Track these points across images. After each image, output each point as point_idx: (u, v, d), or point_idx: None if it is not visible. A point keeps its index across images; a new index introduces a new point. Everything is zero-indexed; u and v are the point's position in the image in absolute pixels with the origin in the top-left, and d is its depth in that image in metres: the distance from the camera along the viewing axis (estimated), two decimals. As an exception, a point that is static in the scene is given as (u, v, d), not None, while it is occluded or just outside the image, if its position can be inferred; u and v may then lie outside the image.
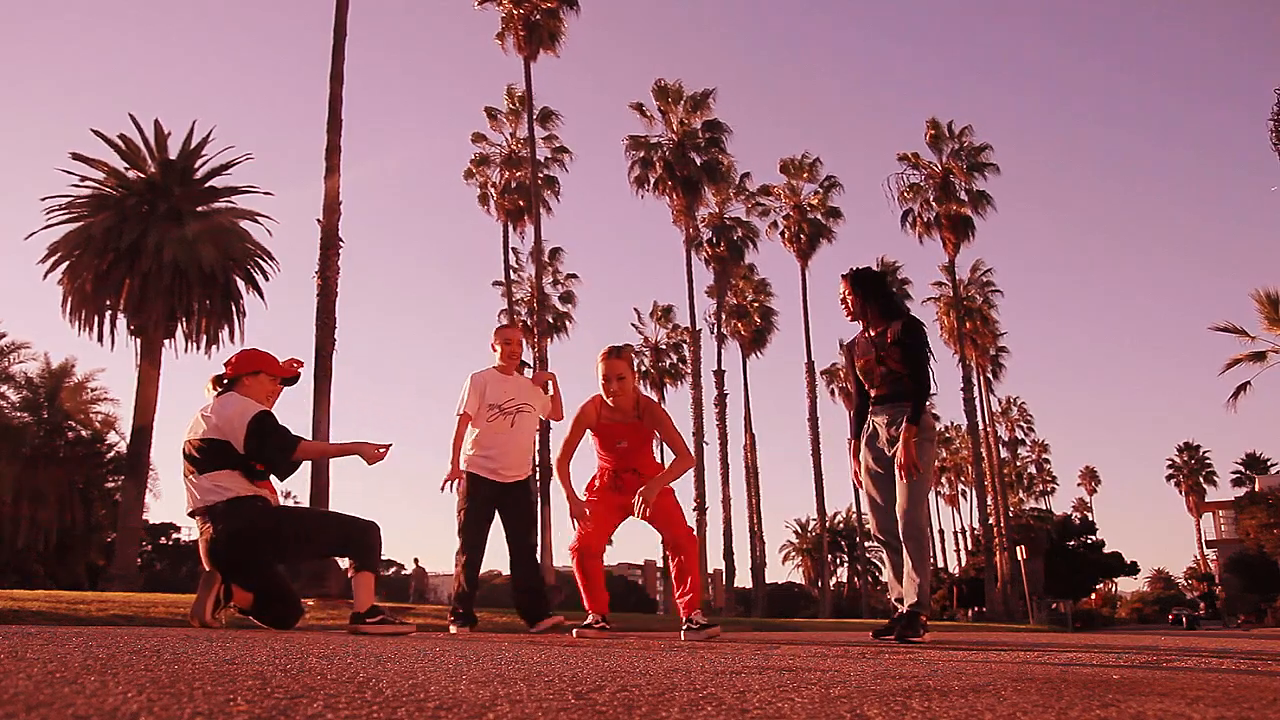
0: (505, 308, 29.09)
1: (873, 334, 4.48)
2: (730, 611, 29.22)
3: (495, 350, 5.11)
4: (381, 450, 4.04)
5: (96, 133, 20.02)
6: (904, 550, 4.25)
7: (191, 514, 3.90)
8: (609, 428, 4.34)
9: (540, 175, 26.85)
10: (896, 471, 4.27)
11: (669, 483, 4.30)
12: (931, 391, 4.34)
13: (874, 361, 4.42)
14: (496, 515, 5.04)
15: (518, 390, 5.05)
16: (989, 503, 35.43)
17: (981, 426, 34.69)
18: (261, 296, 20.76)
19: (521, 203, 28.70)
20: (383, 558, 4.22)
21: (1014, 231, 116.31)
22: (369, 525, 4.01)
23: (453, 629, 5.00)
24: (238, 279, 20.53)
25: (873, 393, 4.49)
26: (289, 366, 4.21)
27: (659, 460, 4.62)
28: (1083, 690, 1.62)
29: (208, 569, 3.95)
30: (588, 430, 4.41)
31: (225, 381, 4.08)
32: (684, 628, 4.17)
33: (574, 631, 4.38)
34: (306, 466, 11.99)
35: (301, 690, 1.33)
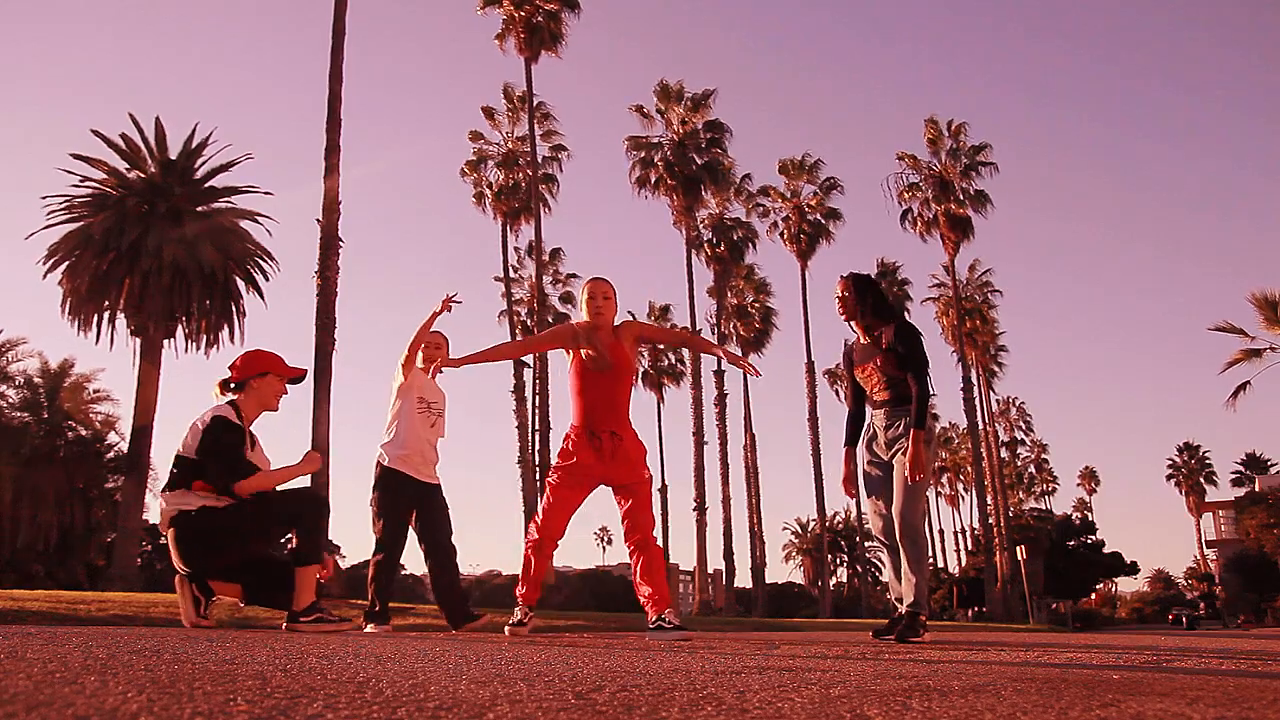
0: (505, 308, 29.13)
1: (868, 338, 4.50)
2: (730, 611, 29.21)
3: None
4: (315, 457, 4.19)
5: (96, 133, 20.05)
6: (900, 551, 4.27)
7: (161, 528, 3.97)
8: (591, 345, 4.15)
9: (539, 174, 26.84)
10: (896, 474, 4.29)
11: (720, 350, 4.50)
12: (932, 394, 4.36)
13: (871, 366, 4.44)
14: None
15: (441, 395, 4.91)
16: (989, 503, 35.40)
17: (981, 426, 34.69)
18: (261, 296, 20.80)
19: (517, 204, 28.71)
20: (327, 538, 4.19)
21: (1014, 231, 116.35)
22: (313, 501, 4.01)
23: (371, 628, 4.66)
24: (238, 279, 20.54)
25: (871, 397, 4.51)
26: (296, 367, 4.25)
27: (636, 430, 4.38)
28: (1083, 690, 1.62)
29: (180, 573, 4.00)
30: (563, 351, 4.25)
31: (232, 385, 4.10)
32: (667, 627, 3.93)
33: (505, 629, 4.17)
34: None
35: (301, 690, 1.33)
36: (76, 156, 19.90)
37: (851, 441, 4.69)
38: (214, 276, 19.67)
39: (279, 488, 4.00)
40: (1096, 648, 4.07)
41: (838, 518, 56.07)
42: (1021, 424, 58.96)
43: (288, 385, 4.20)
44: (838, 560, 57.48)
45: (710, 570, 32.38)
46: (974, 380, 35.36)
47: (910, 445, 4.20)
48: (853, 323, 4.56)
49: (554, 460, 4.26)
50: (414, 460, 4.67)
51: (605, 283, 4.28)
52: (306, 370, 4.33)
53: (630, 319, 4.46)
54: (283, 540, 4.13)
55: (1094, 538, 43.78)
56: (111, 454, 29.19)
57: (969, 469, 41.52)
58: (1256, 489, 40.95)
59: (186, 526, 3.81)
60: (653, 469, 4.49)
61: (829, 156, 53.74)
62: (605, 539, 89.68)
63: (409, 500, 4.68)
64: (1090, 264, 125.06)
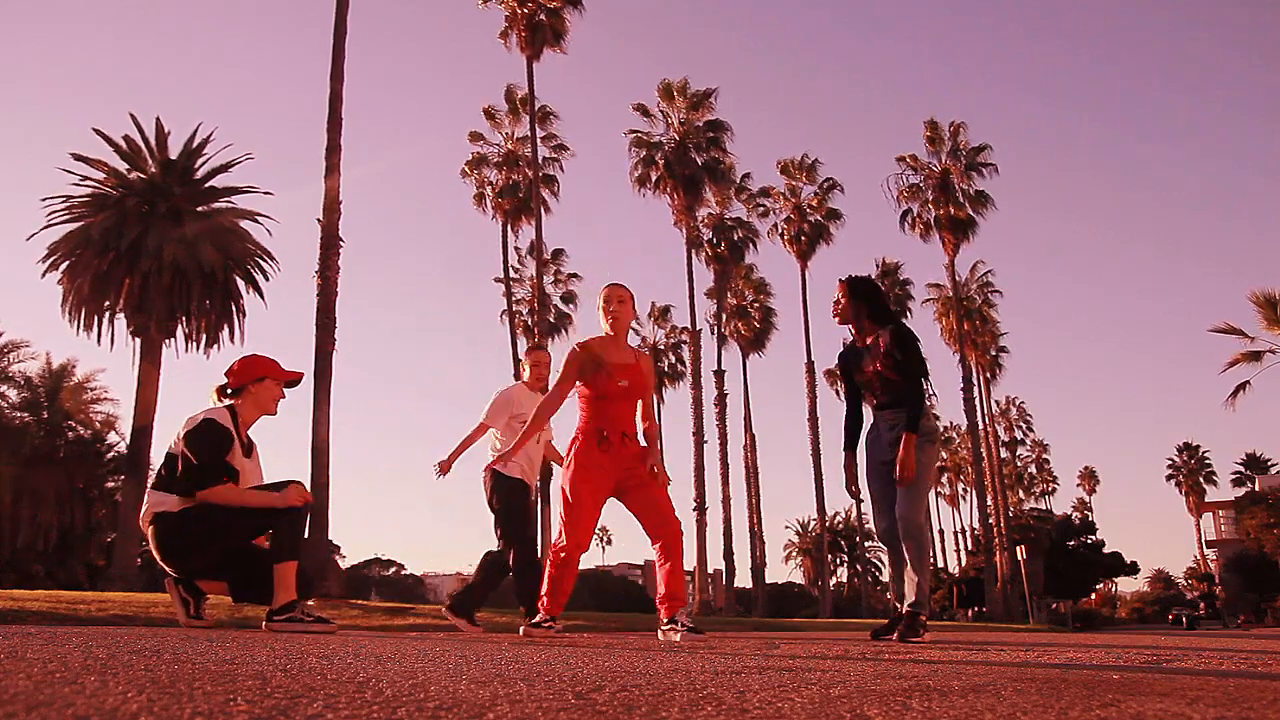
0: (506, 307, 29.12)
1: (866, 342, 4.50)
2: (730, 611, 29.20)
3: (525, 370, 5.58)
4: (295, 492, 3.86)
5: (97, 132, 20.05)
6: (903, 550, 4.27)
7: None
8: (611, 365, 4.06)
9: (539, 174, 26.82)
10: (896, 476, 4.30)
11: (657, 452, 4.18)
12: (929, 396, 4.38)
13: (871, 371, 4.45)
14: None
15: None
16: (989, 503, 35.39)
17: (981, 426, 34.68)
18: (261, 296, 20.79)
19: (520, 199, 28.69)
20: (321, 533, 4.08)
21: (1014, 231, 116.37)
22: (290, 493, 3.89)
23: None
24: (238, 279, 20.54)
25: (874, 400, 4.52)
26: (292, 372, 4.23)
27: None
28: (1083, 690, 1.62)
29: (167, 575, 3.98)
30: (578, 381, 4.11)
31: (230, 391, 4.08)
32: (680, 628, 3.94)
33: (521, 630, 4.20)
34: (306, 464, 12.00)
35: (301, 690, 1.33)
36: (76, 157, 19.91)
37: (850, 446, 4.70)
38: (214, 276, 19.66)
39: (257, 485, 3.97)
40: (1096, 648, 4.07)
41: (838, 518, 56.11)
42: (1021, 424, 58.95)
43: (284, 389, 4.19)
44: (838, 560, 57.48)
45: (710, 570, 32.37)
46: (974, 380, 35.35)
47: (903, 449, 4.22)
48: (849, 327, 4.57)
49: (565, 467, 4.15)
50: (529, 472, 5.39)
51: (620, 287, 4.19)
52: (303, 374, 4.32)
53: (649, 359, 4.38)
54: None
55: (1094, 538, 43.77)
56: (111, 454, 29.20)
57: (969, 469, 41.49)
58: (1256, 489, 40.94)
59: (165, 526, 3.79)
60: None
61: (829, 157, 53.94)
62: (605, 539, 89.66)
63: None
64: (1090, 264, 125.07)
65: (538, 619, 4.14)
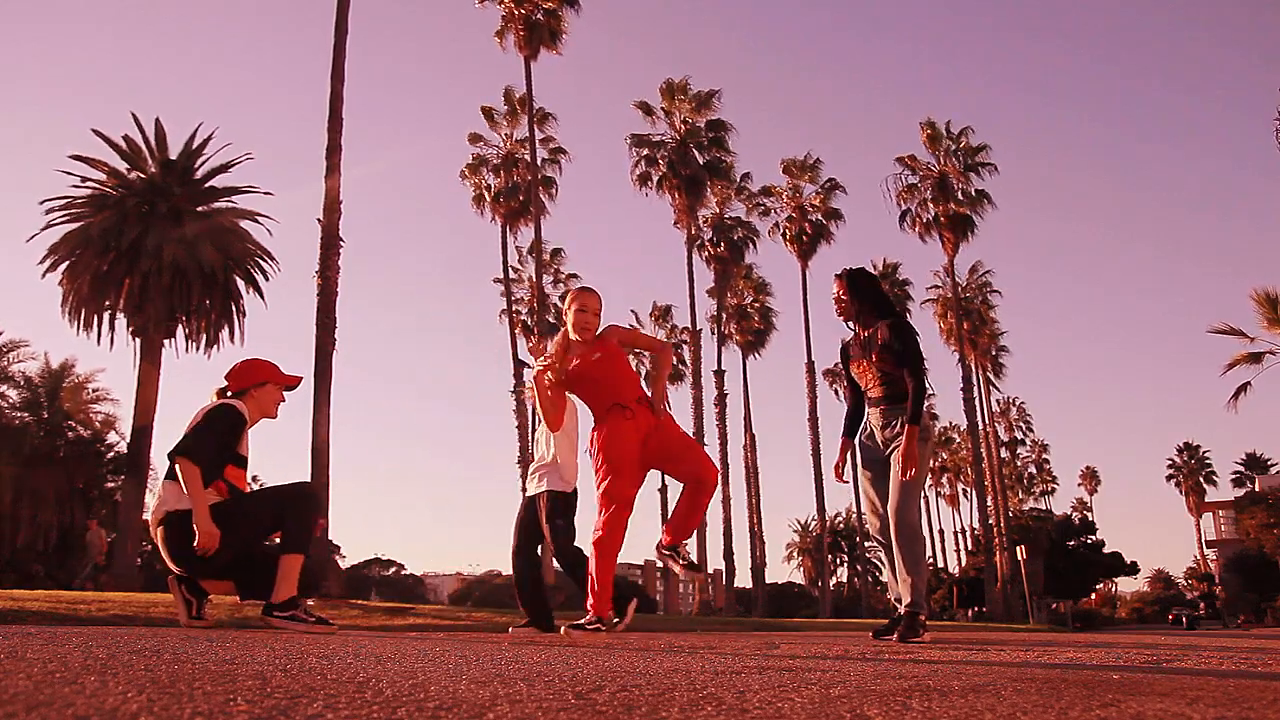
0: (505, 307, 29.13)
1: (864, 335, 4.50)
2: (730, 611, 29.20)
3: None
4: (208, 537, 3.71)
5: (97, 133, 20.08)
6: (896, 549, 4.25)
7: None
8: (580, 350, 4.20)
9: (538, 176, 26.82)
10: (892, 473, 4.28)
11: (665, 381, 4.19)
12: (930, 393, 4.36)
13: (866, 363, 4.44)
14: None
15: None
16: (989, 503, 35.39)
17: (981, 426, 34.68)
18: (261, 296, 20.80)
19: (519, 201, 28.69)
20: (327, 536, 4.07)
21: (1014, 231, 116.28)
22: (303, 494, 3.89)
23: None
24: (238, 279, 20.55)
25: (867, 394, 4.50)
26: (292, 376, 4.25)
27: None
28: (1083, 690, 1.62)
29: (173, 574, 3.98)
30: (566, 392, 4.33)
31: (230, 394, 4.08)
32: (682, 560, 4.14)
33: (563, 629, 4.20)
34: (305, 464, 12.02)
35: (301, 690, 1.33)
36: (76, 157, 19.92)
37: (849, 433, 4.69)
38: (214, 276, 19.68)
39: (270, 485, 4.00)
40: (1096, 647, 4.07)
41: (838, 518, 56.05)
42: (1021, 424, 58.90)
43: (284, 393, 4.21)
44: (838, 560, 57.44)
45: (710, 570, 32.39)
46: (974, 380, 35.35)
47: (905, 441, 4.19)
48: (851, 322, 4.57)
49: (595, 454, 4.12)
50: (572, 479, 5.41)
51: (580, 293, 4.26)
52: (302, 378, 4.34)
53: (613, 327, 4.34)
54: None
55: (1094, 538, 43.76)
56: (111, 454, 29.19)
57: (969, 469, 41.45)
58: (1256, 489, 40.94)
59: (175, 527, 3.78)
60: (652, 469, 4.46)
61: (829, 156, 53.84)
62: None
63: None
64: (1090, 264, 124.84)
65: (582, 620, 4.10)
